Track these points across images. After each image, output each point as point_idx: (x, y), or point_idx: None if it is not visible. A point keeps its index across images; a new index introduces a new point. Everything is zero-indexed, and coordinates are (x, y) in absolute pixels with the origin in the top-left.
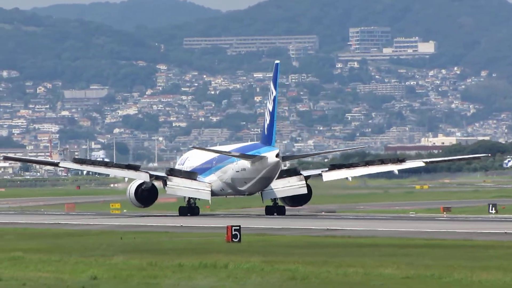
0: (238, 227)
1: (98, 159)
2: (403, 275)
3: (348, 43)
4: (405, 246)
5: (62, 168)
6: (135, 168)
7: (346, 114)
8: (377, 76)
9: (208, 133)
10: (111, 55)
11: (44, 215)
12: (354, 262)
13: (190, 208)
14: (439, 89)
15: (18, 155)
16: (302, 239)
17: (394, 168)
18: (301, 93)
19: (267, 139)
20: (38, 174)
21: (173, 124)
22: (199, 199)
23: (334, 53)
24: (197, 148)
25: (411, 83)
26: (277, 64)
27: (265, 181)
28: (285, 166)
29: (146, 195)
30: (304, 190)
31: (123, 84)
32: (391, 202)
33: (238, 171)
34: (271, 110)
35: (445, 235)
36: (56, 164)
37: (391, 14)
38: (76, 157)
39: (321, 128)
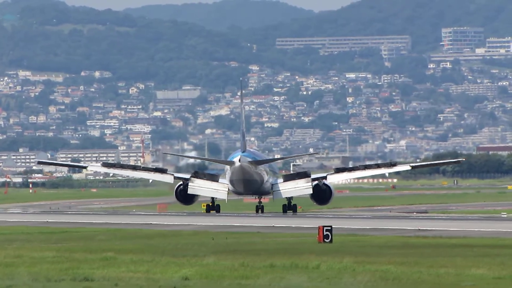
0: (329, 228)
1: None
2: (495, 275)
3: (441, 43)
4: (497, 246)
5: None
6: (162, 171)
7: (439, 115)
8: (469, 77)
9: (300, 134)
10: (203, 56)
11: (136, 215)
12: (446, 262)
13: (213, 206)
14: None
15: (110, 156)
16: (393, 239)
17: (386, 171)
18: (393, 93)
19: (242, 146)
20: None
21: (265, 125)
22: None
23: (427, 54)
24: (165, 153)
25: (504, 83)
26: (241, 80)
27: (245, 182)
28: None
29: (183, 195)
30: (310, 191)
31: (215, 84)
32: (483, 203)
33: (228, 174)
34: (243, 120)
35: None
36: (84, 168)
37: (484, 14)
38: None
39: (413, 129)
